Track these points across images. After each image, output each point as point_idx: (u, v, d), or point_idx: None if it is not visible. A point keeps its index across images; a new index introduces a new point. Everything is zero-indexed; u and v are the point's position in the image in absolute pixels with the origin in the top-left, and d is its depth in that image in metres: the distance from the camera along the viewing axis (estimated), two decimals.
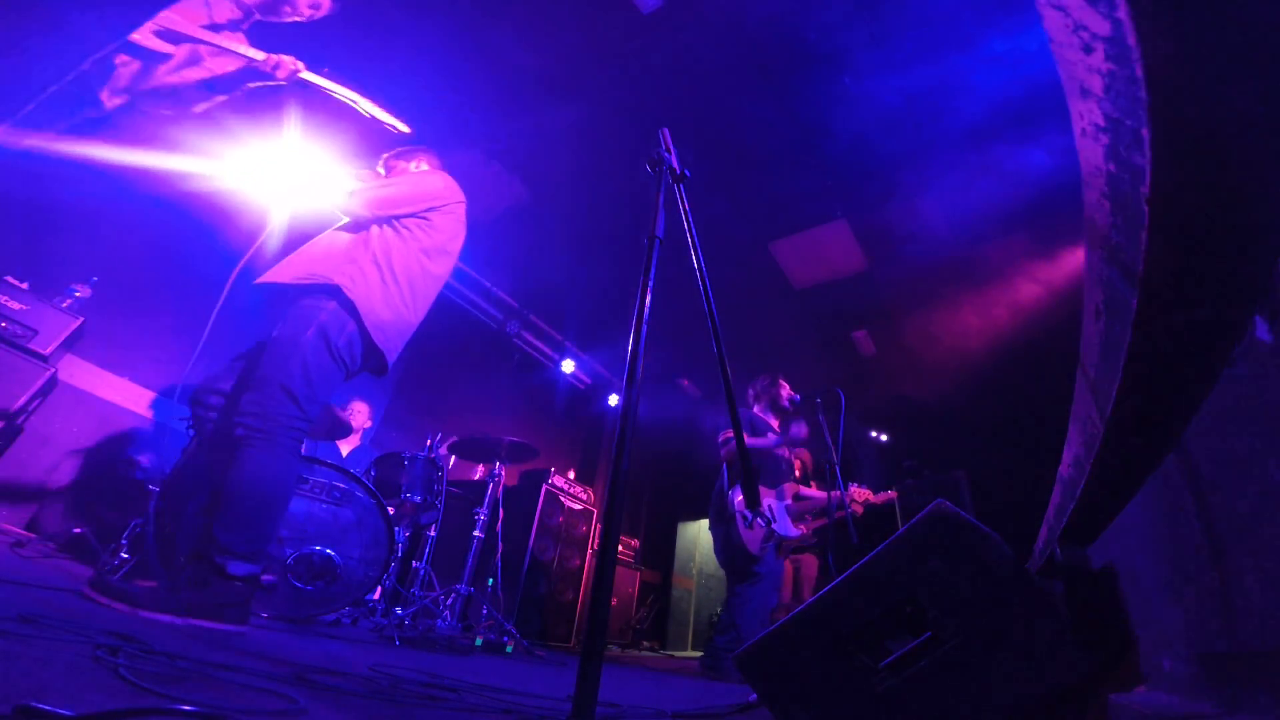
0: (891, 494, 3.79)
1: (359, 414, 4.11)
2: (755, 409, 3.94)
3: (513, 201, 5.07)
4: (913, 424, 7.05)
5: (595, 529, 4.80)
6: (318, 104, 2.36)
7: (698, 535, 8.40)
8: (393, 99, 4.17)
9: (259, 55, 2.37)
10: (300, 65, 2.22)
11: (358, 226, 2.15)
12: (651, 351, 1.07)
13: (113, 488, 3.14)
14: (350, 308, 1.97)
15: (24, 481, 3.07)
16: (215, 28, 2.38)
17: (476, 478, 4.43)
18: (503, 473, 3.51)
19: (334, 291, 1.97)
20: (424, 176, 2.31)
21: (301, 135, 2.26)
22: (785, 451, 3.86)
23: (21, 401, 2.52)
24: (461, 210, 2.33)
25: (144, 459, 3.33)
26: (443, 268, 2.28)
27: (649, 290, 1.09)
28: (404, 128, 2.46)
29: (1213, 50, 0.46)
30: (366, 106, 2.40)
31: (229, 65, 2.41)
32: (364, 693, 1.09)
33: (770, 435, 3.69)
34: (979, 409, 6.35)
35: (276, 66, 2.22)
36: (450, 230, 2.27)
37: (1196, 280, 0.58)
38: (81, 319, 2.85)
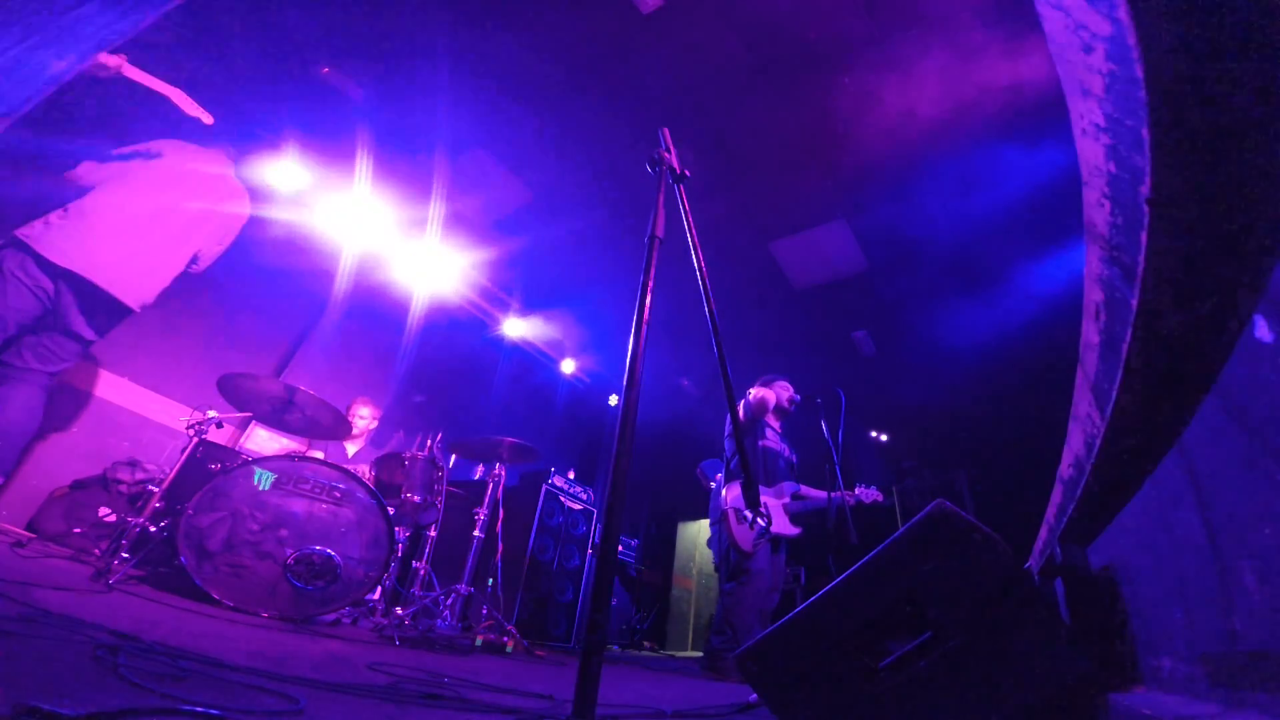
0: (878, 495, 3.80)
1: (363, 415, 4.10)
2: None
3: (513, 201, 5.08)
4: (913, 424, 7.04)
5: (595, 529, 4.80)
6: (140, 97, 2.54)
7: (698, 535, 8.40)
8: (395, 98, 4.20)
9: None
10: (124, 63, 2.29)
11: None
12: (651, 351, 1.07)
13: (113, 488, 3.14)
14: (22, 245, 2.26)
15: (24, 481, 3.08)
16: None
17: (476, 478, 4.42)
18: (503, 473, 3.50)
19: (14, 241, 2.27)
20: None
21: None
22: (785, 450, 3.86)
23: None
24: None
25: (144, 459, 3.33)
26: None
27: (649, 290, 1.09)
28: (208, 119, 2.69)
29: (1212, 51, 0.46)
30: (179, 99, 2.61)
31: None
32: (364, 692, 1.09)
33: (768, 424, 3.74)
34: (979, 409, 6.35)
35: (100, 66, 2.29)
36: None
37: (1196, 280, 0.58)
38: None
